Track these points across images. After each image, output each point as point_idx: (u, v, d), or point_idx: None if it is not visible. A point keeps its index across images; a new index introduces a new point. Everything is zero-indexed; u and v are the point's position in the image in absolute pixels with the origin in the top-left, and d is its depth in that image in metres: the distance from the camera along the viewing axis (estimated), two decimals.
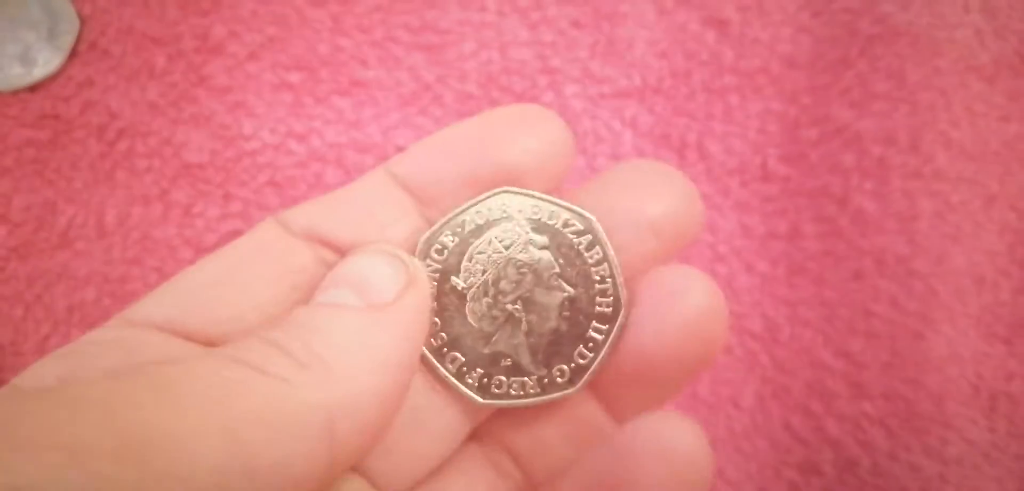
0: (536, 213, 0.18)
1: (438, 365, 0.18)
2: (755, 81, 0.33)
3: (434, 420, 0.18)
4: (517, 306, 0.18)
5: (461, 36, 0.33)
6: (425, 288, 0.16)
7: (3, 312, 0.31)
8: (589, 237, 0.18)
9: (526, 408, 0.18)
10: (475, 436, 0.19)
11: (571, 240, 0.18)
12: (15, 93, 0.32)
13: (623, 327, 0.18)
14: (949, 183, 0.31)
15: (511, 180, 0.18)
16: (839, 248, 0.31)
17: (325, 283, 0.16)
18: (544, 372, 0.18)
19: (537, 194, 0.18)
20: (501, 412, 0.19)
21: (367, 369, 0.14)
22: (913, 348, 0.30)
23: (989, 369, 0.31)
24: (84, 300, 0.31)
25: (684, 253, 0.32)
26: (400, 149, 0.33)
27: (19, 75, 0.32)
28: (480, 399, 0.18)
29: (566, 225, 0.18)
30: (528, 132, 0.18)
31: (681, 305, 0.17)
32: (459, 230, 0.18)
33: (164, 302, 0.16)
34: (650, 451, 0.16)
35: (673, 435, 0.16)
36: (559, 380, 0.18)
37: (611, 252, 0.18)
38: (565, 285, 0.18)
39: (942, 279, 0.30)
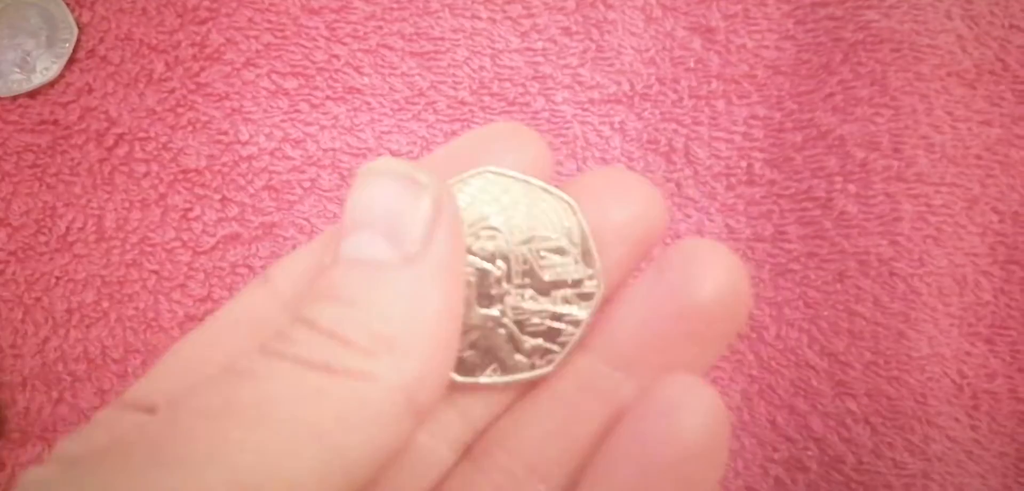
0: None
1: None
2: (741, 87, 0.34)
3: (416, 454, 0.17)
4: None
5: (454, 43, 0.34)
6: (453, 209, 0.15)
7: (3, 315, 0.31)
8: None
9: (532, 405, 0.18)
10: (470, 457, 0.18)
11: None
12: (14, 99, 0.33)
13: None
14: (931, 186, 0.32)
15: None
16: (823, 250, 0.32)
17: (345, 225, 0.15)
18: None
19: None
20: (500, 424, 0.18)
21: (429, 333, 0.14)
22: (896, 347, 0.31)
23: (971, 368, 0.31)
24: (83, 302, 0.32)
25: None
26: (394, 154, 0.33)
27: (18, 81, 0.33)
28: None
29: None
30: (511, 148, 0.18)
31: (710, 273, 0.16)
32: None
33: (163, 384, 0.16)
34: (665, 424, 0.15)
35: (690, 405, 0.15)
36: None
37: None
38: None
39: (924, 280, 0.31)
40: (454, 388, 0.18)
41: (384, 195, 0.15)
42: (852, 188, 0.32)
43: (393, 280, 0.14)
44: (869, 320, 0.31)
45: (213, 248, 0.32)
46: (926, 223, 0.31)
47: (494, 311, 0.18)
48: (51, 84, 0.33)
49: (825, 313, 0.31)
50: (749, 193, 0.33)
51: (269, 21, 0.33)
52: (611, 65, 0.34)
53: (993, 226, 0.32)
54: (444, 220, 0.15)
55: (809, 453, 0.30)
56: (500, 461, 0.17)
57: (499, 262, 0.18)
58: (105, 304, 0.32)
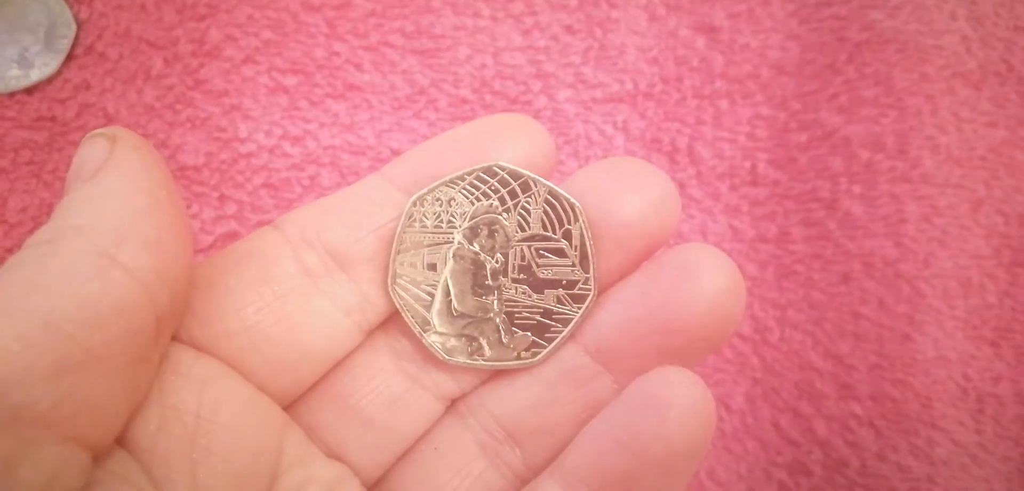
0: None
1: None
2: (745, 87, 0.33)
3: (410, 403, 0.20)
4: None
5: (455, 41, 0.34)
6: (131, 137, 0.18)
7: None
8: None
9: (515, 376, 0.20)
10: (455, 412, 0.20)
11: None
12: (12, 95, 0.32)
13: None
14: (936, 187, 0.31)
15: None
16: (827, 251, 0.31)
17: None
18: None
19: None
20: (485, 387, 0.20)
21: (110, 215, 0.16)
22: (901, 350, 0.30)
23: (976, 371, 0.31)
24: None
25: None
26: (394, 152, 0.33)
27: (16, 77, 0.32)
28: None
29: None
30: (514, 138, 0.19)
31: (701, 281, 0.17)
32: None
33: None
34: (652, 409, 0.17)
35: (675, 390, 0.17)
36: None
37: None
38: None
39: (929, 282, 0.31)
40: (444, 367, 0.20)
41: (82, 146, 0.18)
42: (857, 189, 0.31)
43: (80, 191, 0.17)
44: (874, 322, 0.31)
45: (211, 246, 0.32)
46: (931, 225, 0.31)
47: (488, 301, 0.19)
48: (49, 80, 0.33)
49: (829, 315, 0.31)
50: (753, 194, 0.33)
51: (269, 18, 0.33)
52: (614, 64, 0.34)
53: (998, 228, 0.32)
54: (123, 142, 0.17)
55: (813, 457, 0.30)
56: (483, 420, 0.19)
57: (498, 255, 0.19)
58: None
